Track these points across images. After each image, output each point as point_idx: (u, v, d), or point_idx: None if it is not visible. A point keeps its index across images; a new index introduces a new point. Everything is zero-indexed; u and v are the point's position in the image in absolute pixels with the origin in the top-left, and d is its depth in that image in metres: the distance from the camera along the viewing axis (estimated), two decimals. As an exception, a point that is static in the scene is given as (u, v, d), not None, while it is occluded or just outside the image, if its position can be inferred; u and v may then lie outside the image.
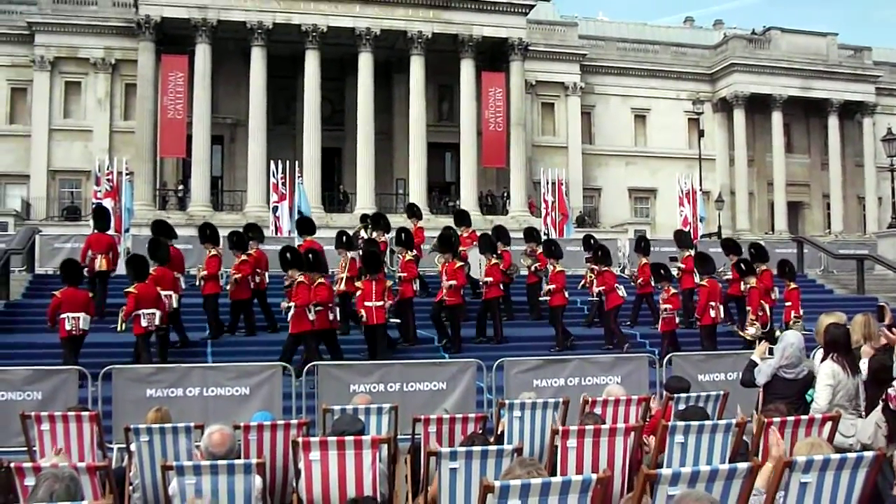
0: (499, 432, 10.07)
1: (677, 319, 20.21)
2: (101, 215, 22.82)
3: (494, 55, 49.37)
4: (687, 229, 34.98)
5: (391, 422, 10.11)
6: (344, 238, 20.80)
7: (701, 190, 39.27)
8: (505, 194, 49.94)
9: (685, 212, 35.99)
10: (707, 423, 8.35)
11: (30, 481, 6.71)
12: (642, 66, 57.23)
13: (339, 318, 18.58)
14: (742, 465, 5.96)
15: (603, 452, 7.96)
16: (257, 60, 45.67)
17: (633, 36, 60.34)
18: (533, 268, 22.32)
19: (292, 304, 17.47)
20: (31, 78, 48.68)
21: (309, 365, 14.70)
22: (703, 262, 20.65)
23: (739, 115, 57.51)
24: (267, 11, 45.49)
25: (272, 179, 35.07)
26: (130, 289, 16.96)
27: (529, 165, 49.90)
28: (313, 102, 45.90)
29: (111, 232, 24.17)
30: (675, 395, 10.38)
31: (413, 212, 24.30)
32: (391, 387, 14.02)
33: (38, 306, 21.60)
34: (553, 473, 7.54)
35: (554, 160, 49.98)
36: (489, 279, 20.35)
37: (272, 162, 36.34)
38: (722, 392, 10.98)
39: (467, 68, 47.91)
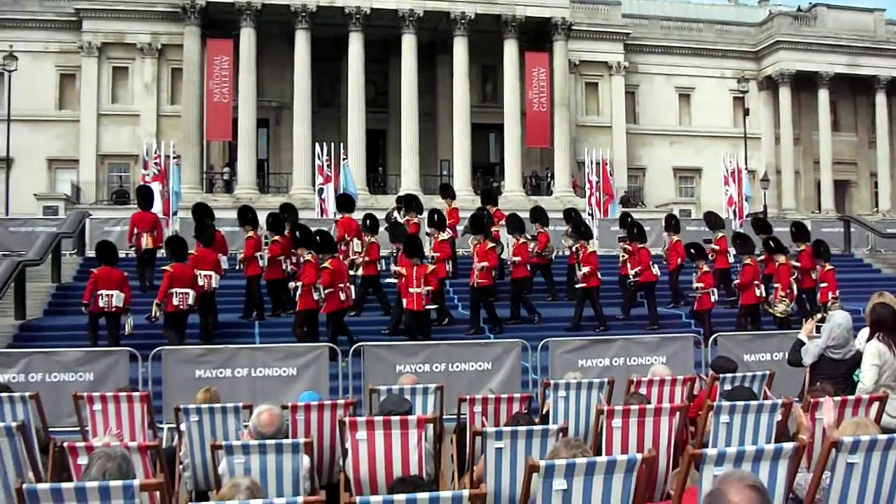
0: (544, 412, 10.00)
1: (713, 298, 20.07)
2: (144, 195, 23.41)
3: (537, 35, 49.30)
4: (732, 208, 35.04)
5: (437, 402, 10.14)
6: (368, 221, 21.17)
7: (746, 169, 39.04)
8: (549, 175, 49.94)
9: (730, 191, 35.82)
10: (752, 402, 8.23)
11: (82, 461, 6.81)
12: (686, 45, 56.61)
13: (353, 297, 18.72)
14: (788, 445, 5.88)
15: (648, 432, 7.86)
16: (301, 43, 45.98)
17: (677, 14, 59.61)
18: (574, 248, 22.37)
19: (299, 283, 17.71)
20: (79, 64, 49.20)
21: (356, 346, 14.86)
22: (743, 241, 20.80)
23: (785, 93, 56.76)
24: (311, -6, 45.76)
25: (317, 162, 35.27)
26: (167, 267, 17.59)
27: (573, 146, 49.80)
28: (357, 84, 46.16)
29: (157, 212, 24.63)
30: (721, 376, 10.29)
31: (447, 192, 24.42)
32: (437, 367, 14.14)
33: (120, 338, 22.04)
34: (598, 453, 7.53)
35: (598, 140, 49.88)
36: (516, 258, 20.54)
37: (317, 144, 36.57)
38: (767, 372, 10.88)
39: (510, 49, 47.93)
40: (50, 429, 9.73)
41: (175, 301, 17.27)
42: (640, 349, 14.98)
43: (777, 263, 20.33)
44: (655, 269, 21.15)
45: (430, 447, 8.31)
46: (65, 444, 7.16)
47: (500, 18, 47.50)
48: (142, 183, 29.79)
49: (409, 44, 46.75)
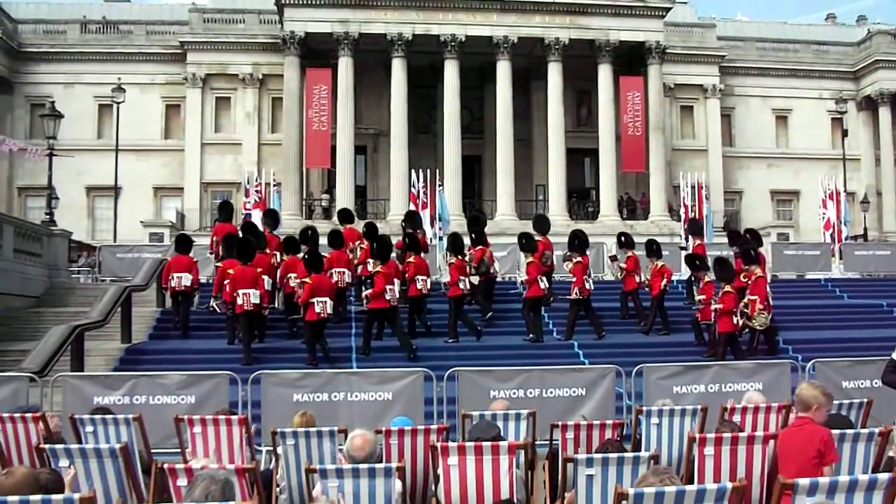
0: (636, 439, 10.08)
1: (735, 320, 19.38)
2: (181, 240, 23.47)
3: (632, 59, 49.25)
4: (830, 231, 34.65)
5: (529, 427, 10.17)
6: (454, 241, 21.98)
7: (845, 191, 38.58)
8: (643, 198, 49.95)
9: (828, 214, 35.39)
10: (848, 431, 8.17)
11: (182, 482, 7.03)
12: (783, 66, 55.91)
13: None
14: (883, 476, 5.79)
15: (741, 461, 7.84)
16: (398, 71, 46.69)
17: (772, 35, 58.89)
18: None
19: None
20: (183, 95, 50.87)
21: (450, 371, 15.09)
22: (723, 267, 20.06)
23: (885, 113, 55.69)
24: (406, 23, 46.47)
25: (412, 188, 35.73)
26: (306, 279, 18.91)
27: (669, 169, 49.52)
28: (453, 111, 46.67)
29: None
30: None
31: (540, 225, 24.48)
32: (531, 392, 14.01)
33: (192, 313, 22.61)
34: (690, 482, 7.68)
35: (693, 164, 49.75)
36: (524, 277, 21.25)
37: (413, 171, 37.10)
38: (865, 399, 10.76)
39: (605, 73, 47.96)
40: (153, 450, 10.14)
41: (317, 309, 18.50)
42: (736, 375, 14.71)
43: (754, 276, 20.13)
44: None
45: (522, 473, 8.39)
46: (165, 466, 7.40)
47: (593, 43, 47.59)
48: (244, 211, 30.60)
49: (503, 70, 47.13)
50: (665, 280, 21.90)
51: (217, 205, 26.63)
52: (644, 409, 10.18)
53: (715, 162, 53.17)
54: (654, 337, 21.56)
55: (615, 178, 47.81)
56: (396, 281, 19.86)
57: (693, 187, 36.52)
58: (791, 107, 55.89)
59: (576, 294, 20.93)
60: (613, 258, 24.24)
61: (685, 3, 56.30)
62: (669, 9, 48.61)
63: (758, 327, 19.78)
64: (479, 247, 22.72)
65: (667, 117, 51.59)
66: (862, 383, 14.71)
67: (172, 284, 21.37)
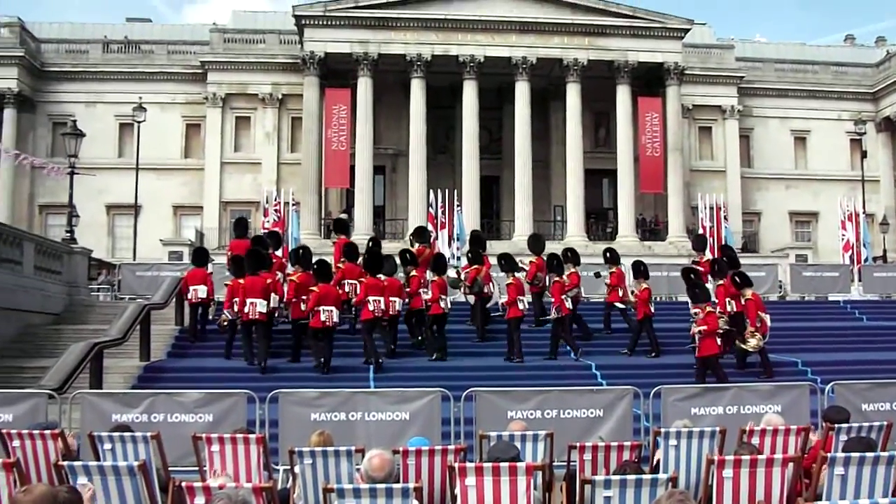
0: (655, 461, 10.03)
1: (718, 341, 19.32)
2: (198, 254, 24.42)
3: (650, 80, 49.38)
4: (849, 253, 34.59)
5: (546, 449, 10.20)
6: (504, 261, 22.08)
7: (864, 213, 38.49)
8: (657, 219, 50.02)
9: (847, 235, 35.41)
10: (868, 454, 8.12)
11: (199, 500, 7.11)
12: (801, 87, 55.75)
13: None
14: None
15: (760, 483, 7.87)
16: (416, 92, 46.94)
17: (791, 56, 58.90)
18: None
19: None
20: (204, 114, 51.26)
21: (468, 391, 15.10)
22: (701, 290, 20.10)
23: (905, 135, 55.66)
24: (425, 44, 46.76)
25: (430, 208, 35.83)
26: (313, 287, 19.72)
27: (687, 190, 49.57)
28: (471, 132, 46.88)
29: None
30: (837, 426, 10.13)
31: (535, 245, 24.52)
32: (548, 413, 13.97)
33: (210, 332, 22.91)
34: None
35: (712, 185, 49.74)
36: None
37: (432, 191, 37.22)
38: (886, 423, 10.70)
39: (623, 94, 48.07)
40: (170, 468, 10.17)
41: (322, 317, 19.25)
42: (754, 397, 14.59)
43: (743, 298, 20.22)
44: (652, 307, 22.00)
45: (539, 495, 8.45)
46: (183, 484, 7.45)
47: (612, 64, 47.75)
48: (262, 230, 30.77)
49: (522, 91, 47.31)
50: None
51: (264, 237, 26.90)
52: (662, 430, 10.16)
53: (733, 183, 53.01)
54: (673, 358, 21.43)
55: (633, 199, 47.85)
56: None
57: (711, 208, 36.52)
58: (810, 128, 55.70)
59: (555, 313, 20.99)
60: (598, 275, 24.75)
61: (704, 24, 56.24)
62: (688, 30, 48.73)
63: (750, 350, 19.81)
64: (475, 266, 22.86)
65: (685, 138, 51.60)
66: (882, 406, 14.62)
67: (189, 296, 22.53)
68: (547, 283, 22.70)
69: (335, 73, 47.79)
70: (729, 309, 20.10)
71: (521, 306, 20.79)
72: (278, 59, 51.17)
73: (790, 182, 55.20)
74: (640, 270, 22.40)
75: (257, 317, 19.86)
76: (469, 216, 42.26)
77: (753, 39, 64.16)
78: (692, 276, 21.15)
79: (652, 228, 49.99)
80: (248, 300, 19.82)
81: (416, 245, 23.89)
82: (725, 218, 39.22)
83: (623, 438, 11.78)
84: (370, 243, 23.34)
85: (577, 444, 9.64)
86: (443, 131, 51.08)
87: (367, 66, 46.56)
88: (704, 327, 18.71)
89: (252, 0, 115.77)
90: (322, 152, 46.93)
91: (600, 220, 51.27)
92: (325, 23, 46.72)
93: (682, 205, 48.18)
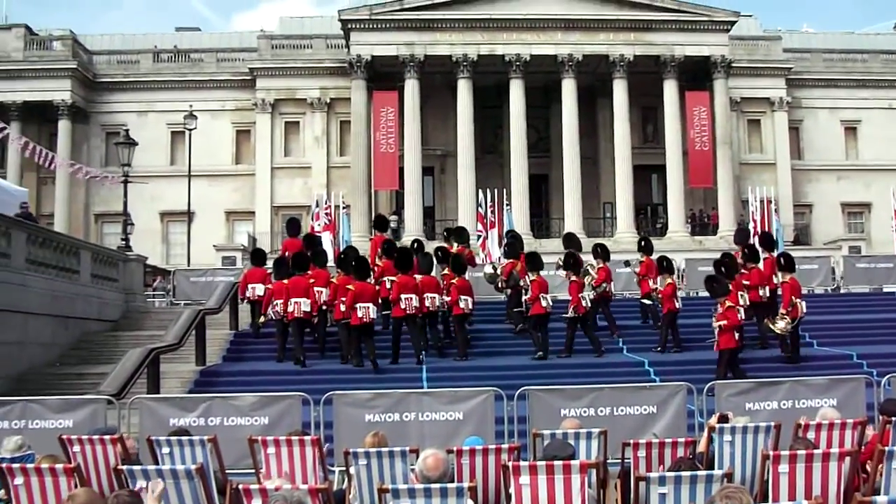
0: (709, 457, 9.91)
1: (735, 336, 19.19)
2: (256, 254, 25.39)
3: (697, 74, 49.06)
4: None
5: (600, 446, 10.16)
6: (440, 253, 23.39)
7: (919, 201, 37.98)
8: (706, 214, 49.79)
9: (900, 226, 34.97)
10: None
11: (256, 502, 7.11)
12: (851, 77, 54.84)
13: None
14: None
15: (816, 479, 7.78)
16: (463, 92, 47.07)
17: (839, 46, 57.97)
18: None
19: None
20: (253, 120, 51.76)
21: (521, 390, 15.15)
22: (719, 284, 19.82)
23: (958, 121, 54.67)
24: (471, 44, 46.90)
25: (479, 208, 35.94)
26: (350, 286, 19.94)
27: (737, 184, 49.22)
28: (519, 131, 46.91)
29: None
30: (894, 419, 9.98)
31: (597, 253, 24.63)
32: (601, 411, 13.91)
33: (264, 335, 23.21)
34: (765, 500, 7.73)
35: (762, 177, 49.14)
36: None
37: (481, 190, 37.33)
38: None
39: (670, 89, 47.87)
40: (227, 471, 10.35)
41: (359, 314, 19.56)
42: (809, 392, 14.40)
43: (781, 282, 20.39)
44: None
45: (594, 492, 8.43)
46: (240, 486, 7.46)
47: (658, 59, 47.55)
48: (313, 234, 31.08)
49: (569, 88, 47.25)
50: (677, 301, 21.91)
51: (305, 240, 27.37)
52: (716, 426, 10.07)
53: (783, 175, 52.38)
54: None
55: (683, 194, 47.63)
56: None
57: (762, 201, 36.23)
58: (860, 118, 54.78)
59: (572, 312, 21.05)
60: (627, 263, 25.12)
61: (750, 16, 55.82)
62: (734, 22, 48.34)
63: (778, 332, 19.82)
64: (511, 260, 23.17)
65: (734, 131, 51.20)
66: (941, 398, 14.33)
67: (248, 294, 23.22)
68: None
69: (382, 75, 48.07)
70: (742, 302, 19.74)
71: (543, 304, 20.76)
72: (326, 64, 51.61)
73: (841, 173, 54.35)
74: (664, 266, 22.35)
75: (302, 315, 20.48)
76: (518, 215, 42.38)
77: (800, 30, 63.22)
78: (722, 269, 20.92)
79: (702, 223, 49.73)
80: (292, 299, 20.38)
81: (456, 245, 24.04)
82: (776, 211, 38.86)
83: (677, 435, 11.79)
84: (414, 244, 23.67)
85: (632, 441, 9.65)
86: (490, 131, 51.19)
87: (413, 67, 46.79)
88: (724, 322, 18.59)
89: (299, 6, 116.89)
90: (371, 155, 47.25)
91: (650, 216, 51.14)
92: (370, 26, 47.04)
93: (732, 198, 47.84)
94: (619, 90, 47.49)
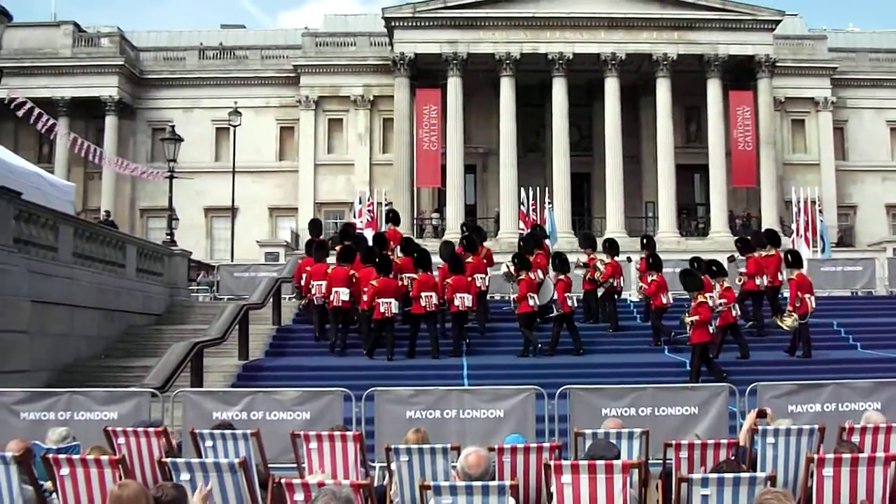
0: (751, 457, 9.89)
1: (734, 312, 19.97)
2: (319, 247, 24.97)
3: (740, 73, 48.79)
4: None
5: (642, 446, 10.14)
6: (557, 260, 22.83)
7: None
8: (749, 214, 49.59)
9: (946, 227, 34.67)
10: None
11: (298, 497, 7.22)
12: (898, 77, 54.45)
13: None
14: None
15: (861, 483, 7.69)
16: (506, 90, 47.13)
17: (886, 45, 57.26)
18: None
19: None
20: (297, 117, 52.20)
21: (562, 388, 15.20)
22: (693, 278, 20.13)
23: None
24: (514, 42, 46.96)
25: (521, 207, 36.01)
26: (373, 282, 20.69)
27: (780, 184, 48.89)
28: (561, 129, 46.90)
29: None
30: None
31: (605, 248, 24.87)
32: (642, 411, 13.85)
33: (306, 331, 23.57)
34: (808, 503, 7.71)
35: (805, 178, 48.70)
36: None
37: (523, 189, 37.41)
38: None
39: (713, 88, 47.66)
40: (269, 465, 10.38)
41: (382, 309, 20.43)
42: (853, 394, 14.19)
43: (787, 278, 20.65)
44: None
45: (636, 493, 8.34)
46: (282, 481, 7.58)
47: (702, 58, 47.35)
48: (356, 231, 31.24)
49: (611, 87, 47.19)
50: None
51: (340, 226, 27.74)
52: (759, 428, 10.05)
53: (827, 176, 51.90)
54: (770, 354, 21.12)
55: (725, 194, 47.40)
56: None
57: (806, 202, 36.02)
58: (906, 118, 54.32)
59: (557, 311, 21.38)
60: (630, 259, 25.72)
61: (795, 15, 55.38)
62: (779, 21, 47.96)
63: (786, 328, 20.03)
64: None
65: (777, 131, 50.85)
66: None
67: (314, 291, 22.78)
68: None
69: (425, 73, 48.28)
70: (717, 294, 20.01)
71: (530, 302, 21.08)
72: (369, 61, 51.92)
73: (887, 174, 53.63)
74: (650, 263, 22.52)
75: (341, 304, 21.31)
76: (560, 214, 42.37)
77: (846, 29, 62.64)
78: (695, 264, 21.84)
79: (745, 223, 49.40)
80: (334, 289, 21.29)
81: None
82: (820, 212, 38.65)
83: (719, 436, 11.70)
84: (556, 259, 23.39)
85: (674, 442, 9.65)
86: (532, 129, 51.20)
87: (456, 65, 46.90)
88: (696, 317, 18.71)
89: (344, 3, 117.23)
90: (413, 152, 47.42)
91: (692, 216, 50.94)
92: (414, 24, 47.22)
93: (775, 199, 47.57)
94: (662, 89, 47.36)
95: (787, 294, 21.10)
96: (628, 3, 47.30)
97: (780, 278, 22.13)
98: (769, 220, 46.67)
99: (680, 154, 48.33)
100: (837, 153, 53.21)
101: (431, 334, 21.28)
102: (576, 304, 22.01)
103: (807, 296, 20.04)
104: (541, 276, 22.36)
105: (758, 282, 21.80)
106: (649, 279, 22.19)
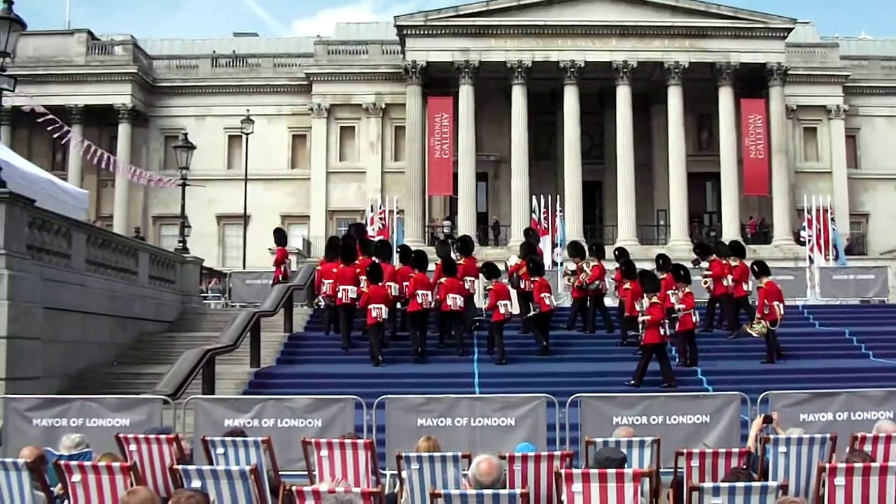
0: (762, 465, 9.88)
1: (693, 319, 20.28)
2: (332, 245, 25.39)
3: (752, 81, 48.80)
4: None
5: (653, 455, 10.17)
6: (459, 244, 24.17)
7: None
8: (761, 222, 49.47)
9: (959, 235, 34.60)
10: None
11: None
12: (910, 85, 54.17)
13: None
14: None
15: (873, 492, 7.64)
16: (518, 98, 47.23)
17: (898, 53, 57.34)
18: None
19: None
20: (309, 125, 52.43)
21: (573, 397, 15.17)
22: (650, 279, 20.44)
23: None
24: (526, 50, 47.08)
25: (533, 214, 36.04)
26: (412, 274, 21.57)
27: (792, 192, 48.82)
28: (573, 137, 46.98)
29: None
30: None
31: (592, 251, 25.02)
32: (654, 419, 13.80)
33: (317, 338, 23.64)
34: None
35: (818, 186, 48.70)
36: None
37: (534, 197, 37.42)
38: None
39: (725, 96, 47.67)
40: (280, 472, 10.38)
41: (374, 314, 20.84)
42: (865, 403, 14.09)
43: (756, 286, 21.00)
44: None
45: (647, 501, 8.34)
46: (293, 488, 7.61)
47: (713, 66, 47.37)
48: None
49: (623, 95, 47.25)
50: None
51: (351, 229, 27.76)
52: (771, 437, 10.06)
53: (840, 184, 51.77)
54: (781, 364, 20.96)
55: (737, 202, 47.40)
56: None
57: (818, 210, 35.95)
58: (920, 126, 54.06)
59: (534, 310, 21.51)
60: (696, 263, 25.43)
61: (807, 23, 55.32)
62: (791, 29, 48.01)
63: (755, 335, 20.47)
64: (523, 261, 23.46)
65: (789, 139, 50.78)
66: None
67: (324, 290, 23.40)
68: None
69: (437, 81, 48.40)
70: (673, 300, 20.14)
71: (502, 310, 21.18)
72: (381, 70, 52.09)
73: (900, 183, 53.69)
74: (625, 271, 22.42)
75: (349, 301, 21.82)
76: (571, 222, 42.44)
77: (858, 37, 62.40)
78: (660, 261, 22.60)
79: (757, 231, 49.35)
80: (341, 287, 21.91)
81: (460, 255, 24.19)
82: (832, 220, 38.54)
83: (731, 445, 11.71)
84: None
85: (685, 451, 9.66)
86: (544, 137, 51.20)
87: (468, 73, 47.03)
88: (648, 317, 18.93)
89: (356, 12, 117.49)
90: (425, 160, 47.53)
91: (704, 224, 50.86)
92: (426, 32, 47.38)
93: (787, 207, 47.49)
94: (674, 97, 47.40)
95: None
96: (640, 12, 47.41)
97: (744, 288, 22.73)
98: (781, 229, 46.70)
99: (692, 162, 48.33)
100: (849, 161, 53.09)
101: (457, 334, 21.94)
102: (554, 304, 22.37)
103: (775, 303, 20.49)
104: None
105: (724, 283, 22.60)
106: (624, 287, 22.15)
